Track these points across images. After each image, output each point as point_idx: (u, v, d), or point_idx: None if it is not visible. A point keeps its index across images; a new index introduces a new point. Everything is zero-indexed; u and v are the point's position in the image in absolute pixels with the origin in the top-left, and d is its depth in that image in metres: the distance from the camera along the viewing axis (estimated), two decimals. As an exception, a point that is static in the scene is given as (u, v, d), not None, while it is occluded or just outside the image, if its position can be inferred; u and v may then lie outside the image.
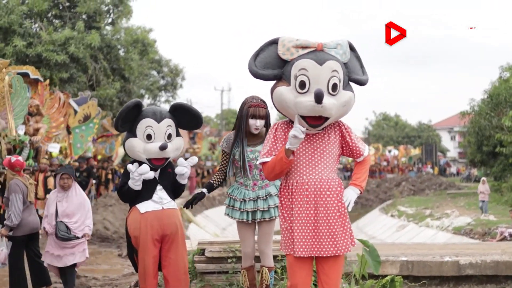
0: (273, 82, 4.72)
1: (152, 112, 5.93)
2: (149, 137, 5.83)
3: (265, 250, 6.01)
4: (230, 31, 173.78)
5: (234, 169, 6.05)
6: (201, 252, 7.41)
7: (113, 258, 12.80)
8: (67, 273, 7.70)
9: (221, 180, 6.16)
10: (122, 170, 24.47)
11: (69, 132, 21.71)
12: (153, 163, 5.89)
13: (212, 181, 6.15)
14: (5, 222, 8.04)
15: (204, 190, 6.11)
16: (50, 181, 14.47)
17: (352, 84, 4.77)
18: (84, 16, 28.72)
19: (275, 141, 4.75)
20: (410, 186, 44.20)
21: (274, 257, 6.53)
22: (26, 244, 8.19)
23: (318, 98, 4.35)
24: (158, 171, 6.03)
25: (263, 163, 4.75)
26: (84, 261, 8.06)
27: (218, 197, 30.07)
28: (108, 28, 30.53)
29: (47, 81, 19.42)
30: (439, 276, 8.21)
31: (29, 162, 14.17)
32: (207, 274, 7.30)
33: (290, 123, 4.77)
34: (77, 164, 20.28)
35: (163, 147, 5.79)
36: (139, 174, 5.78)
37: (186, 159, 6.20)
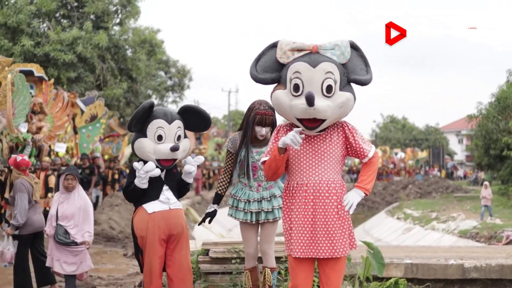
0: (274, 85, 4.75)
1: (163, 113, 5.94)
2: (160, 137, 5.85)
3: (267, 250, 6.00)
4: (238, 32, 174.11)
5: (239, 170, 6.04)
6: (205, 252, 7.42)
7: (118, 258, 12.81)
8: (67, 280, 7.63)
9: (227, 184, 6.13)
10: (128, 170, 24.53)
11: (75, 132, 21.73)
12: (162, 164, 5.91)
13: (218, 192, 6.12)
14: (11, 221, 8.06)
15: (215, 206, 6.09)
16: (51, 179, 14.46)
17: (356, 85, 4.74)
18: (92, 16, 28.81)
19: (276, 142, 4.77)
20: (416, 189, 44.06)
21: (278, 258, 6.53)
22: (31, 243, 8.21)
23: (309, 100, 4.36)
24: (164, 171, 6.04)
25: (264, 162, 4.80)
26: (85, 274, 7.76)
27: (224, 198, 29.98)
28: (116, 28, 30.62)
29: (52, 80, 19.40)
30: (443, 279, 8.21)
31: (31, 160, 14.15)
32: (211, 275, 7.30)
33: (292, 126, 4.79)
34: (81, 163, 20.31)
35: (174, 148, 5.81)
36: (145, 171, 5.79)
37: None
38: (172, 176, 6.10)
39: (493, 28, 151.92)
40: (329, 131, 4.74)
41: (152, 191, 5.98)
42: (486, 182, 24.30)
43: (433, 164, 63.61)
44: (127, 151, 30.11)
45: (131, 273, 10.64)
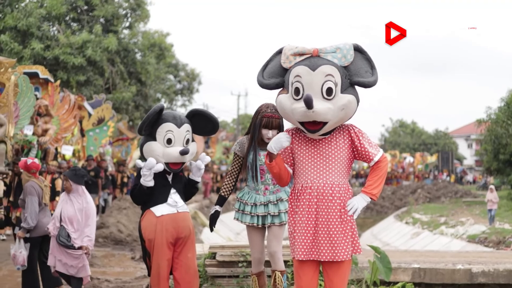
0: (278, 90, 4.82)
1: (173, 117, 5.96)
2: (169, 141, 5.87)
3: (276, 253, 5.96)
4: (247, 36, 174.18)
5: (246, 174, 6.04)
6: (212, 256, 7.43)
7: (126, 261, 12.84)
8: (72, 281, 7.57)
9: (232, 187, 6.10)
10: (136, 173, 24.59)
11: (82, 135, 21.73)
12: (171, 167, 5.93)
13: (223, 194, 6.09)
14: (21, 224, 8.08)
15: (217, 207, 6.05)
16: (58, 183, 14.48)
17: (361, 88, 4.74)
18: (101, 20, 28.93)
19: None
20: (425, 194, 43.96)
21: (285, 261, 6.52)
22: (40, 246, 8.23)
23: (307, 103, 4.38)
24: (171, 175, 6.06)
25: None
26: (87, 278, 7.64)
27: (232, 202, 30.05)
28: (126, 31, 30.75)
29: (58, 82, 19.39)
30: (451, 284, 8.18)
31: None
32: (218, 278, 7.31)
33: (298, 129, 4.80)
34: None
35: (184, 152, 5.83)
36: (148, 168, 5.80)
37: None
38: (179, 179, 6.12)
39: (503, 32, 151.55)
40: (334, 134, 4.75)
41: (160, 194, 6.00)
42: (491, 186, 24.22)
43: (442, 169, 63.42)
44: (135, 154, 30.17)
45: (138, 276, 10.67)
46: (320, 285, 6.05)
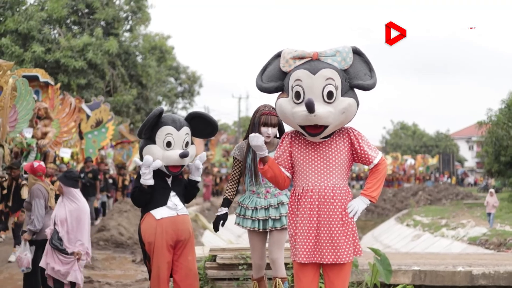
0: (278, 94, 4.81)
1: (172, 120, 5.95)
2: (168, 144, 5.86)
3: (277, 260, 5.92)
4: (248, 39, 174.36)
5: (246, 177, 6.00)
6: (213, 258, 7.44)
7: (127, 264, 12.81)
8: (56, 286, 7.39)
9: (235, 190, 6.09)
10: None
11: (81, 138, 21.70)
12: (170, 170, 5.92)
13: (228, 197, 6.07)
14: (28, 227, 8.08)
15: (225, 209, 6.02)
16: (57, 186, 14.45)
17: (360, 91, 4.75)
18: (102, 23, 29.00)
19: (280, 149, 4.86)
20: (426, 196, 43.92)
21: (285, 264, 6.51)
22: (43, 249, 8.23)
23: (308, 107, 4.39)
24: (171, 178, 6.06)
25: None
26: (79, 286, 7.44)
27: (234, 205, 30.06)
28: (126, 34, 30.81)
29: (58, 85, 19.36)
30: (451, 286, 8.19)
31: None
32: (218, 281, 7.32)
33: (297, 133, 4.82)
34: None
35: (183, 155, 5.82)
36: (146, 166, 5.80)
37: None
38: (178, 182, 6.12)
39: (504, 33, 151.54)
40: (334, 137, 4.76)
41: (160, 197, 5.99)
42: (491, 190, 24.16)
43: (443, 171, 63.44)
44: (135, 157, 30.19)
45: (139, 279, 10.66)
46: (320, 287, 6.05)
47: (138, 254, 13.44)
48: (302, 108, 4.47)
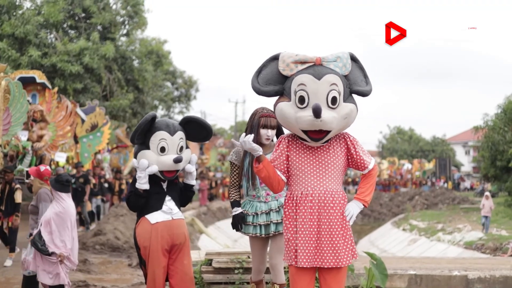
0: (276, 97, 4.77)
1: (166, 125, 5.94)
2: (162, 149, 5.84)
3: (277, 265, 5.86)
4: (245, 43, 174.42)
5: (244, 182, 5.93)
6: (209, 262, 7.44)
7: (123, 268, 12.82)
8: None
9: (239, 194, 6.01)
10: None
11: (76, 142, 21.63)
12: (165, 175, 5.91)
13: (236, 198, 5.96)
14: (35, 230, 8.07)
15: (239, 209, 5.92)
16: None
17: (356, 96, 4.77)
18: (99, 27, 28.99)
19: (276, 152, 4.85)
20: (423, 200, 43.99)
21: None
22: None
23: (316, 113, 4.39)
24: (166, 182, 6.06)
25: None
26: None
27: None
28: (123, 39, 30.79)
29: (55, 89, 19.32)
30: (447, 290, 8.19)
31: None
32: (214, 285, 7.32)
33: (294, 136, 4.82)
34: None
35: (178, 160, 5.81)
36: (142, 170, 5.79)
37: None
38: (174, 187, 6.11)
39: (500, 39, 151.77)
40: (331, 142, 4.78)
41: (155, 202, 5.98)
42: (487, 193, 24.18)
43: (440, 176, 63.47)
44: (130, 161, 30.20)
45: (135, 283, 10.66)
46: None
47: (134, 258, 13.44)
48: (308, 113, 4.47)
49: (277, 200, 5.88)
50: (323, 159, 4.74)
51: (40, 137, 15.38)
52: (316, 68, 4.57)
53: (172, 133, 5.89)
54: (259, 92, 4.72)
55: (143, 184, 5.82)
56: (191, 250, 6.72)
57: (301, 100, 4.54)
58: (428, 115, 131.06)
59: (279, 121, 4.80)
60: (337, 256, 4.67)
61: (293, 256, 4.75)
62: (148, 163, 5.80)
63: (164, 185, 6.03)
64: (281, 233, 5.76)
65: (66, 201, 7.32)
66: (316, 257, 4.69)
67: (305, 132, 4.60)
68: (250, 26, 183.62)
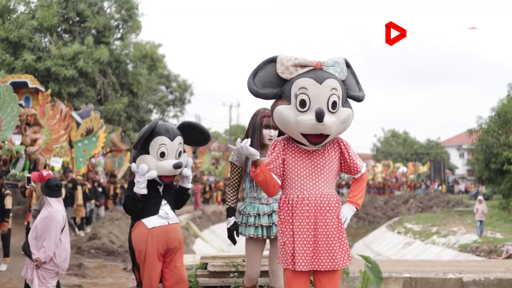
0: (273, 100, 4.76)
1: (165, 130, 5.93)
2: (162, 154, 5.84)
3: (277, 270, 5.81)
4: (239, 47, 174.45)
5: (246, 183, 5.85)
6: (204, 266, 7.44)
7: (118, 272, 12.80)
8: None
9: (236, 197, 5.90)
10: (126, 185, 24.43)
11: (71, 146, 21.53)
12: (163, 180, 5.91)
13: (232, 205, 5.85)
14: None
15: (232, 219, 5.79)
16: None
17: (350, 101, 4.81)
18: (93, 31, 28.98)
19: (271, 155, 4.84)
20: (417, 203, 44.08)
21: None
22: None
23: (319, 117, 4.39)
24: (162, 186, 6.06)
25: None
26: None
27: (225, 213, 29.97)
28: (117, 43, 30.80)
29: (49, 91, 19.21)
30: (442, 293, 8.20)
31: (24, 173, 13.65)
32: (209, 288, 7.31)
33: (289, 140, 4.83)
34: (80, 178, 20.10)
35: (178, 166, 5.80)
36: (141, 175, 5.78)
37: None
38: (169, 190, 6.12)
39: (494, 42, 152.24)
40: (326, 146, 4.79)
41: (151, 206, 5.98)
42: (480, 197, 24.21)
43: (434, 179, 63.60)
44: (126, 167, 30.16)
45: (130, 287, 10.64)
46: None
47: (129, 262, 13.43)
48: (310, 117, 4.47)
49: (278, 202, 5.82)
50: (319, 162, 4.75)
51: (34, 141, 15.23)
52: (317, 72, 4.57)
53: (172, 138, 5.88)
54: (257, 94, 4.69)
55: (141, 189, 5.81)
56: (186, 254, 6.72)
57: (302, 103, 4.53)
58: (422, 118, 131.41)
59: (277, 124, 4.76)
60: (333, 259, 4.69)
61: (290, 260, 4.74)
62: (148, 168, 5.80)
63: (161, 189, 6.03)
64: None
65: (53, 206, 7.22)
66: (312, 260, 4.70)
67: (304, 135, 4.60)
68: (244, 29, 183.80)
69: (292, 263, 4.74)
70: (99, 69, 27.83)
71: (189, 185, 6.22)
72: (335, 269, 4.70)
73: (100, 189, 22.67)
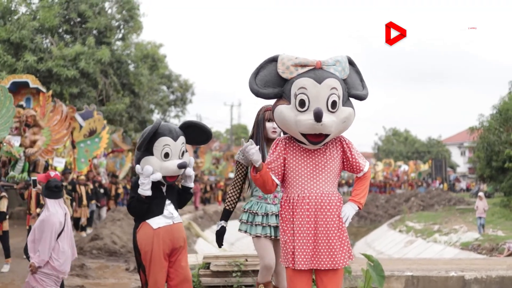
0: (274, 99, 4.77)
1: (169, 130, 5.92)
2: (166, 155, 5.83)
3: (281, 271, 5.79)
4: (240, 47, 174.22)
5: (252, 182, 5.79)
6: (207, 266, 7.46)
7: (120, 272, 12.82)
8: None
9: (237, 199, 5.90)
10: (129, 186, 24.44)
11: (73, 147, 21.49)
12: (167, 180, 5.92)
13: (228, 208, 5.88)
14: None
15: (223, 222, 5.86)
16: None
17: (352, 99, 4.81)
18: (94, 32, 28.95)
19: (273, 154, 4.87)
20: (419, 202, 44.02)
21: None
22: None
23: (318, 117, 4.41)
24: (165, 186, 6.08)
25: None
26: None
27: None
28: (119, 43, 30.77)
29: (50, 92, 19.17)
30: (444, 291, 8.22)
31: (23, 175, 13.63)
32: (212, 288, 7.34)
33: (291, 139, 4.84)
34: (83, 178, 20.09)
35: (182, 166, 5.81)
36: (146, 176, 5.79)
37: None
38: (173, 190, 6.13)
39: (494, 42, 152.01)
40: (327, 145, 4.81)
41: (156, 207, 5.98)
42: (480, 193, 24.17)
43: (435, 177, 63.53)
44: (127, 167, 30.15)
45: (133, 287, 10.68)
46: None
47: (131, 262, 13.44)
48: (308, 117, 4.49)
49: None
50: (320, 161, 4.76)
51: (33, 143, 15.09)
52: (317, 71, 4.58)
53: (175, 138, 5.88)
54: (258, 94, 4.70)
55: (146, 190, 5.81)
56: (188, 254, 6.74)
57: (302, 103, 4.55)
58: (423, 116, 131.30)
59: (277, 124, 4.78)
60: (334, 258, 4.71)
61: (290, 259, 4.77)
62: (152, 170, 5.81)
63: (164, 189, 6.05)
64: None
65: (49, 209, 7.12)
66: (313, 259, 4.72)
67: (304, 135, 4.62)
68: (245, 29, 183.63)
69: (292, 262, 4.77)
70: (101, 69, 27.81)
71: (191, 184, 6.23)
72: (335, 268, 4.71)
73: (102, 190, 22.68)
